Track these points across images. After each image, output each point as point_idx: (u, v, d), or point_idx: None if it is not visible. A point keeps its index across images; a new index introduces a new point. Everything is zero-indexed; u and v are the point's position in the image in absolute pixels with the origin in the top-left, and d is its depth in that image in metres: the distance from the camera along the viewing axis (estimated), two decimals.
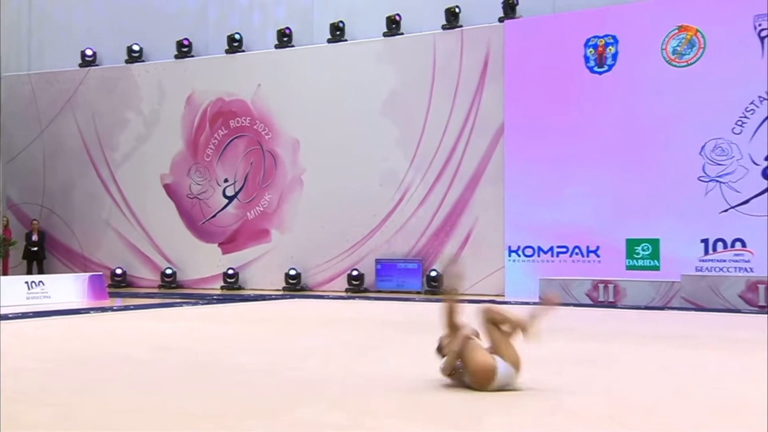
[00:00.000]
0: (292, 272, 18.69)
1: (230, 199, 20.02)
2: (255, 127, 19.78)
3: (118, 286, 19.89)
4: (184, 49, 20.51)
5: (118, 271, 20.30)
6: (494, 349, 5.39)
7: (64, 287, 15.07)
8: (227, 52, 20.18)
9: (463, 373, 5.43)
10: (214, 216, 20.07)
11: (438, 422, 4.50)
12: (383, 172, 18.26)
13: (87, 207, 21.17)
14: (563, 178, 16.07)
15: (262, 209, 19.62)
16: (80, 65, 21.38)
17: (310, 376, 6.22)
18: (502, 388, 5.31)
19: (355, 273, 18.09)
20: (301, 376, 6.18)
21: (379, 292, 17.65)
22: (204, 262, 19.92)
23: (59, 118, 21.45)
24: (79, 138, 21.29)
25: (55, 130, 21.48)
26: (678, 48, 15.41)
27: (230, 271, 19.42)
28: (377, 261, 18.02)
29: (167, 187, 20.56)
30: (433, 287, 17.15)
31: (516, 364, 5.33)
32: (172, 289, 19.53)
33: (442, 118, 17.71)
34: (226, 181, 20.05)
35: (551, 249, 16.16)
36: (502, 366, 5.30)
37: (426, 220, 17.79)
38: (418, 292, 17.36)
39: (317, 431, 4.32)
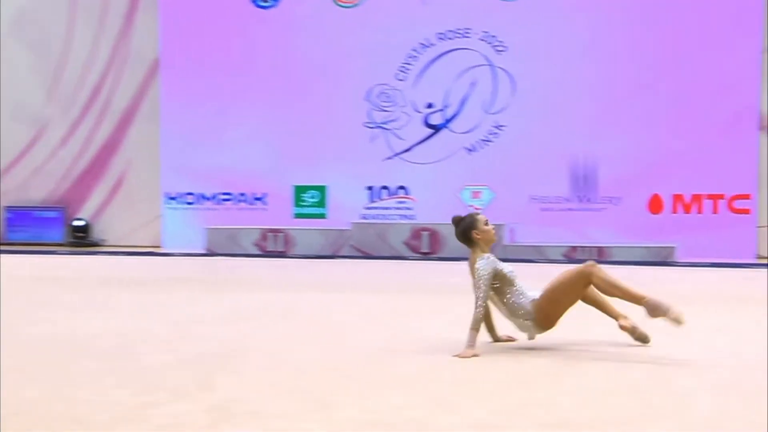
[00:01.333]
0: None
1: None
2: None
3: None
4: None
5: None
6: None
7: None
8: None
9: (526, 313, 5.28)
10: None
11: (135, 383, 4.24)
12: (13, 104, 16.64)
13: None
14: (226, 119, 15.93)
15: None
16: None
17: None
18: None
19: None
20: None
21: (11, 244, 16.16)
22: None
23: None
24: None
25: None
26: None
27: None
28: (7, 209, 16.47)
29: None
30: (79, 238, 16.13)
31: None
32: None
33: (86, 46, 16.55)
34: None
35: (214, 196, 16.03)
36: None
37: (68, 162, 16.61)
38: (60, 244, 16.22)
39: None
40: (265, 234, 14.62)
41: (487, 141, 15.52)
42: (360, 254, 14.12)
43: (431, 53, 15.79)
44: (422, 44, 15.80)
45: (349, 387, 4.31)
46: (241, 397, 4.09)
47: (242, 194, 15.97)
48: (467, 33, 15.64)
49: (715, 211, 14.41)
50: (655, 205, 14.65)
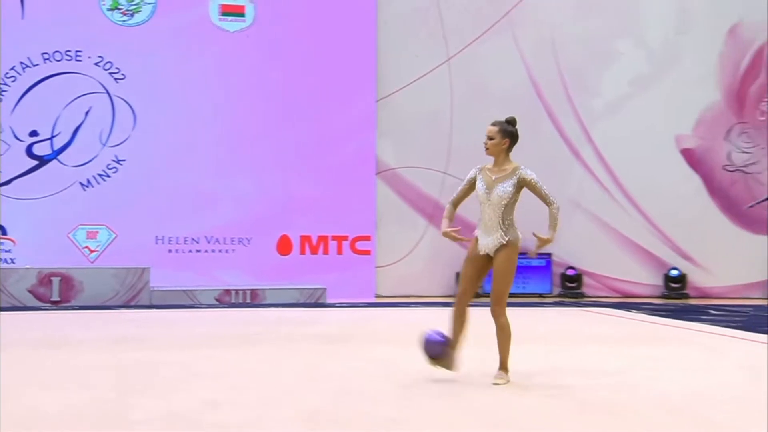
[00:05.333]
0: None
1: None
2: None
3: None
4: None
5: None
6: None
7: None
8: None
9: None
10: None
11: None
12: None
13: None
14: None
15: None
16: None
17: None
18: None
19: None
20: None
21: None
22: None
23: None
24: None
25: None
26: None
27: None
28: None
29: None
30: None
31: None
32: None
33: None
34: None
35: None
36: None
37: None
38: None
39: None
40: None
41: (105, 176, 14.66)
42: None
43: (34, 75, 14.53)
44: (23, 64, 14.46)
45: None
46: None
47: None
48: (78, 56, 14.67)
49: (339, 252, 15.42)
50: (283, 246, 15.16)
